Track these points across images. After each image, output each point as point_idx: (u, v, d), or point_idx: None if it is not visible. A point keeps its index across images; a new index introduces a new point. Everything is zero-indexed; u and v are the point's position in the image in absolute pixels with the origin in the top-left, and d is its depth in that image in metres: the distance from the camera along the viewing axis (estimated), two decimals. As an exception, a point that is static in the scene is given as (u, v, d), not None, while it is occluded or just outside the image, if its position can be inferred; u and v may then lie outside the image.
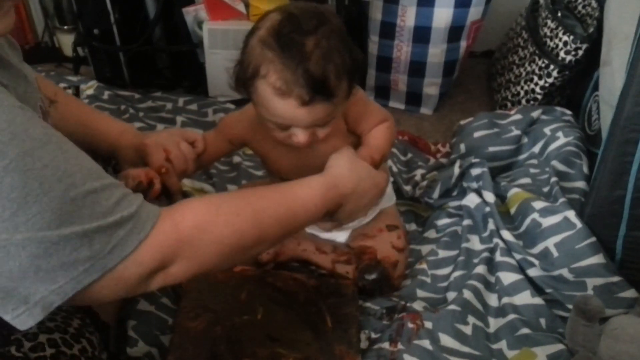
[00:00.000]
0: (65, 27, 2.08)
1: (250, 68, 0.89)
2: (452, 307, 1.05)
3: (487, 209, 1.26)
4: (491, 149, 1.42)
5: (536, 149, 1.41)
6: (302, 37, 0.85)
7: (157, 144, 1.00)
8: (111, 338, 0.99)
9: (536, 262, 1.13)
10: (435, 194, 1.34)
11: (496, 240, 1.19)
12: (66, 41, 2.07)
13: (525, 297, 1.09)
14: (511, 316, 1.06)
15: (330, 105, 0.90)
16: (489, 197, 1.27)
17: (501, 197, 1.30)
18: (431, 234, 1.29)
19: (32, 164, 0.61)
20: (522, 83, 1.67)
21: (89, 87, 1.77)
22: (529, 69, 1.64)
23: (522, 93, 1.67)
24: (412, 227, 1.33)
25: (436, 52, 1.71)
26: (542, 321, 1.06)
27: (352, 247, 1.16)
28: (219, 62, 1.78)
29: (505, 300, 1.09)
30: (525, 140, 1.43)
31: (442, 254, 1.22)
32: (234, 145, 1.13)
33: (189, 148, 1.03)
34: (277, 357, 0.96)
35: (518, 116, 1.48)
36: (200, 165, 1.09)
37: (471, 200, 1.29)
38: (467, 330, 1.03)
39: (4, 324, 0.70)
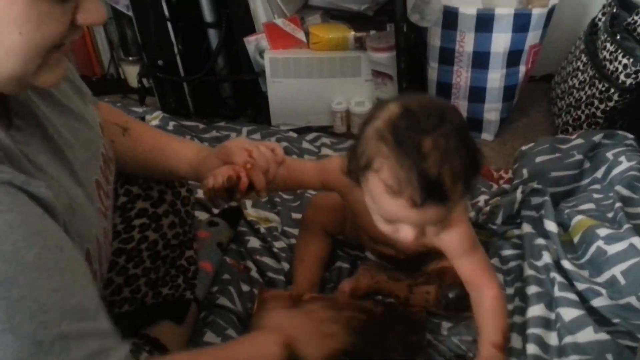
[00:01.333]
0: (130, 59, 2.20)
1: (364, 158, 0.88)
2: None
3: (541, 240, 1.28)
4: (553, 174, 1.45)
5: (599, 173, 1.43)
6: (419, 135, 0.83)
7: (238, 145, 1.03)
8: None
9: (603, 291, 1.14)
10: (499, 220, 1.37)
11: (553, 274, 1.20)
12: (131, 72, 2.17)
13: (588, 334, 1.09)
14: (573, 357, 1.06)
15: (444, 208, 0.87)
16: (551, 226, 1.29)
17: (564, 225, 1.32)
18: (496, 262, 1.32)
19: (8, 291, 0.55)
20: (582, 107, 1.70)
21: (154, 118, 1.84)
22: (589, 92, 1.67)
23: (583, 117, 1.69)
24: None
25: (495, 77, 1.76)
26: (609, 357, 1.06)
27: (428, 271, 1.21)
28: (280, 91, 1.86)
29: (567, 339, 1.09)
30: (587, 165, 1.46)
31: (508, 290, 1.25)
32: (324, 188, 1.13)
33: (269, 152, 1.03)
34: None
35: (580, 140, 1.50)
36: (283, 176, 1.07)
37: (527, 232, 1.32)
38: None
39: None
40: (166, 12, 1.85)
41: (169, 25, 1.88)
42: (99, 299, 0.65)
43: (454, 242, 1.03)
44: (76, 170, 0.75)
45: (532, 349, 1.09)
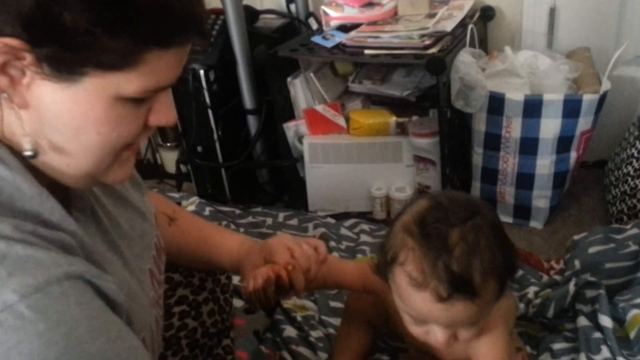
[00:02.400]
0: (168, 145, 2.26)
1: (390, 253, 0.89)
2: None
3: (598, 334, 1.24)
4: (608, 265, 1.41)
5: None
6: (447, 227, 0.84)
7: (281, 243, 1.03)
8: None
9: None
10: (550, 313, 1.34)
11: None
12: (168, 158, 2.24)
13: None
14: None
15: (473, 305, 0.85)
16: (606, 321, 1.25)
17: (619, 320, 1.28)
18: (546, 357, 1.27)
19: None
20: (638, 195, 1.67)
21: (191, 204, 1.86)
22: (645, 180, 1.65)
23: (639, 206, 1.66)
24: (527, 350, 1.31)
25: (545, 164, 1.75)
26: None
27: None
28: (319, 176, 1.89)
29: None
30: None
31: None
32: (365, 291, 1.11)
33: (312, 250, 1.03)
34: None
35: (635, 230, 1.47)
36: (324, 276, 1.08)
37: (583, 325, 1.28)
38: None
39: None
40: (207, 100, 1.92)
41: (210, 112, 1.95)
42: None
43: (488, 350, 0.99)
44: (129, 261, 0.78)
45: None
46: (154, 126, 0.68)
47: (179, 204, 1.80)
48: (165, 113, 0.68)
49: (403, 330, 1.09)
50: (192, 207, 1.85)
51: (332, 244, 1.69)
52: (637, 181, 1.71)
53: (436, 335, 0.91)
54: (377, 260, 0.94)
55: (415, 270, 0.85)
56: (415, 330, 0.93)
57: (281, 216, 1.86)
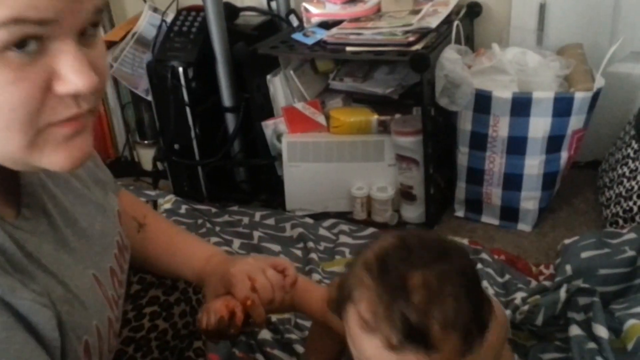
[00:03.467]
0: (146, 142, 2.26)
1: (346, 289, 0.82)
2: None
3: (593, 345, 1.20)
4: (602, 271, 1.37)
5: None
6: (408, 268, 0.77)
7: (242, 273, 1.00)
8: None
9: None
10: (539, 321, 1.29)
11: None
12: (146, 155, 2.23)
13: None
14: None
15: (428, 359, 0.77)
16: (602, 331, 1.21)
17: (615, 330, 1.24)
18: None
19: None
20: (634, 198, 1.62)
21: (167, 202, 1.87)
22: (641, 182, 1.60)
23: (635, 209, 1.61)
24: (515, 358, 1.26)
25: (533, 164, 1.70)
26: None
27: None
28: (297, 175, 1.86)
29: None
30: None
31: None
32: (324, 322, 1.06)
33: (277, 276, 1.00)
34: None
35: (632, 235, 1.42)
36: (291, 300, 1.04)
37: (575, 334, 1.23)
38: None
39: None
40: (186, 98, 1.91)
41: (188, 110, 1.93)
42: None
43: None
44: (85, 259, 0.76)
45: None
46: (64, 94, 0.57)
47: (155, 202, 1.81)
48: (72, 78, 0.57)
49: None
50: (168, 205, 1.86)
51: (310, 244, 1.68)
52: (632, 183, 1.65)
53: None
54: (333, 295, 0.86)
55: (367, 311, 0.77)
56: None
57: (258, 215, 1.85)
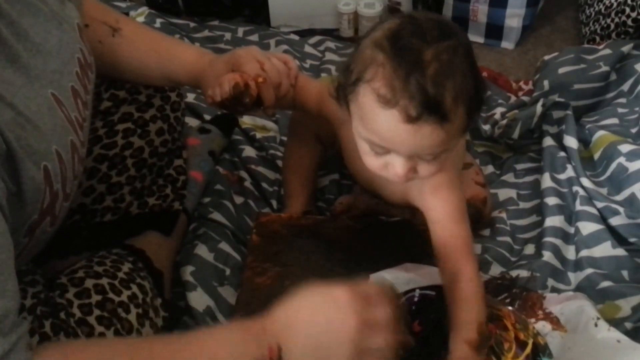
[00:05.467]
0: None
1: (355, 72, 0.83)
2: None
3: (563, 154, 1.28)
4: (577, 86, 1.42)
5: (625, 86, 1.41)
6: (421, 43, 0.78)
7: (249, 54, 0.97)
8: (165, 284, 1.02)
9: (621, 209, 1.14)
10: (516, 134, 1.35)
11: (576, 188, 1.20)
12: None
13: (605, 249, 1.10)
14: (589, 270, 1.08)
15: (441, 131, 0.80)
16: (572, 142, 1.28)
17: (585, 141, 1.31)
18: (509, 177, 1.31)
19: None
20: (612, 15, 1.64)
21: (139, 15, 1.77)
22: (620, -1, 1.62)
23: (612, 26, 1.64)
24: (489, 169, 1.35)
25: None
26: (625, 273, 1.07)
27: None
28: None
29: (583, 253, 1.11)
30: (613, 77, 1.43)
31: (523, 205, 1.26)
32: (320, 114, 1.07)
33: (282, 64, 0.99)
34: None
35: (607, 51, 1.47)
36: (292, 94, 1.03)
37: (548, 145, 1.31)
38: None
39: (50, 267, 0.73)
40: None
41: None
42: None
43: (441, 203, 0.95)
44: (40, 77, 0.71)
45: (547, 256, 1.10)
46: None
47: (127, 14, 1.71)
48: None
49: (353, 169, 1.08)
50: (141, 19, 1.75)
51: (296, 62, 1.60)
52: (612, 0, 1.67)
53: (395, 168, 0.85)
54: (338, 81, 0.88)
55: (384, 86, 0.79)
56: (373, 162, 0.88)
57: (240, 31, 1.79)
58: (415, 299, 0.96)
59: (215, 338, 0.72)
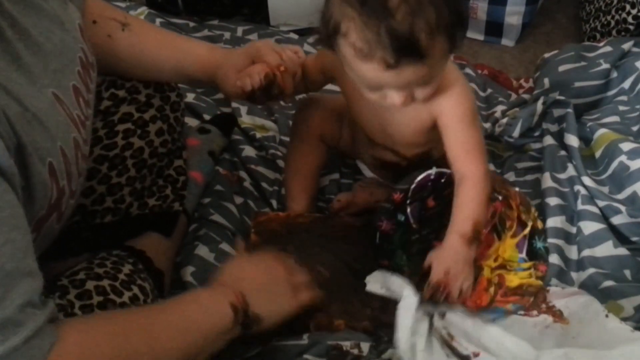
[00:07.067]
0: None
1: (331, 24, 0.87)
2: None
3: (564, 153, 1.28)
4: (577, 84, 1.43)
5: (626, 84, 1.41)
6: None
7: (268, 45, 1.02)
8: (166, 285, 1.04)
9: (622, 208, 1.15)
10: (516, 132, 1.36)
11: (577, 187, 1.21)
12: None
13: (607, 249, 1.10)
14: (591, 270, 1.08)
15: (424, 67, 0.85)
16: (573, 140, 1.28)
17: (586, 139, 1.32)
18: (510, 176, 1.32)
19: None
20: (613, 12, 1.65)
21: (139, 14, 1.76)
22: (621, -4, 1.62)
23: (612, 23, 1.65)
24: (490, 167, 1.32)
25: None
26: (627, 272, 1.08)
27: None
28: None
29: (585, 252, 1.11)
30: (614, 74, 1.44)
31: None
32: (325, 77, 1.11)
33: (295, 56, 1.04)
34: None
35: (607, 48, 1.48)
36: (303, 82, 1.09)
37: (549, 144, 1.31)
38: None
39: (49, 268, 0.71)
40: None
41: None
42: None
43: (452, 106, 0.99)
44: (41, 77, 0.72)
45: (552, 257, 1.10)
46: None
47: None
48: None
49: (361, 121, 1.10)
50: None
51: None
52: None
53: (393, 99, 0.91)
54: (318, 29, 0.92)
55: (359, 40, 0.83)
56: (372, 95, 0.94)
57: (240, 30, 1.80)
58: (432, 177, 1.05)
59: (187, 302, 0.83)
